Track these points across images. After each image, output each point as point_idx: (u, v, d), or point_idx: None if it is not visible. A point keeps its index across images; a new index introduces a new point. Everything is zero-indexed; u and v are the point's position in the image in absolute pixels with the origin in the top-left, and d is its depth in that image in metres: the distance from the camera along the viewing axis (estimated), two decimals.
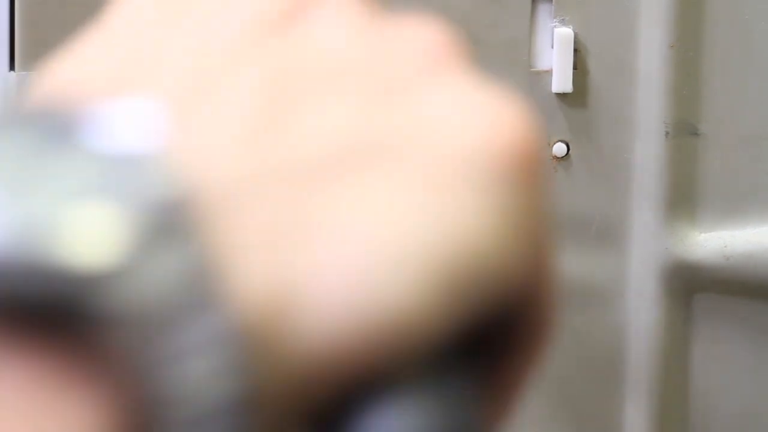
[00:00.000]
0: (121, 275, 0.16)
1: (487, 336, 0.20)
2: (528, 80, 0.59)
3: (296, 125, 0.19)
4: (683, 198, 0.59)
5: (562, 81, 0.58)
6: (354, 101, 0.19)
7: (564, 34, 0.57)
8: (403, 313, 0.17)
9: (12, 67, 0.56)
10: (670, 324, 0.60)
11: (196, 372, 0.16)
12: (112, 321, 0.16)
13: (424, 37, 0.21)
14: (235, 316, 0.16)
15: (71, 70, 0.20)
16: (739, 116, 0.58)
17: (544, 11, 0.58)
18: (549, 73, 0.58)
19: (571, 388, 0.62)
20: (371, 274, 0.17)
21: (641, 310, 0.60)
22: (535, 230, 0.20)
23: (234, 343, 0.16)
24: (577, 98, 0.58)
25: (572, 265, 0.60)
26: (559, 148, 0.59)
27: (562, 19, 0.58)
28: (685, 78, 0.57)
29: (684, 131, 0.58)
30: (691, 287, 0.59)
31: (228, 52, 0.20)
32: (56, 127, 0.17)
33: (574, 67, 0.58)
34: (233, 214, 0.17)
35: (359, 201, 0.18)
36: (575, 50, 0.58)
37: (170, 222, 0.17)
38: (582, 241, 0.60)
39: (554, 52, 0.58)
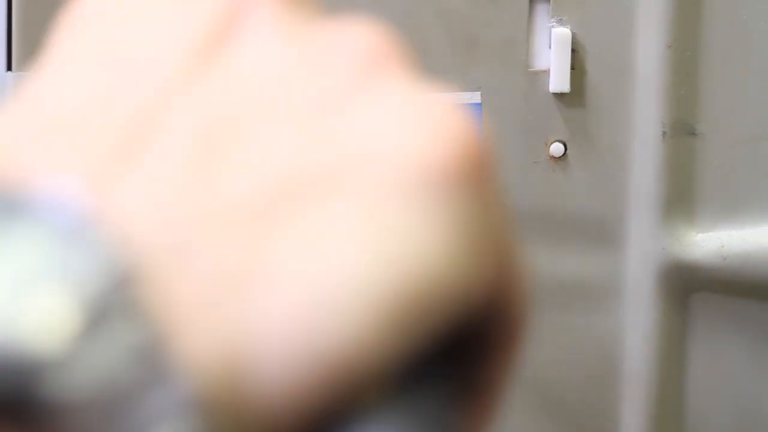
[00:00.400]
0: (69, 360, 0.16)
1: (459, 346, 0.19)
2: (526, 80, 0.59)
3: (231, 167, 0.18)
4: (680, 198, 0.59)
5: (559, 81, 0.58)
6: (287, 130, 0.18)
7: (561, 34, 0.57)
8: (359, 351, 0.17)
9: (9, 67, 0.55)
10: (667, 323, 0.60)
11: None
12: (65, 407, 0.16)
13: (358, 43, 0.20)
14: (190, 385, 0.16)
15: None
16: (737, 116, 0.58)
17: (541, 11, 0.58)
18: (546, 73, 0.58)
19: (568, 388, 0.62)
20: (320, 316, 0.17)
21: (638, 310, 0.60)
22: (492, 239, 0.19)
23: (192, 412, 0.16)
24: (574, 98, 0.58)
25: (570, 264, 0.60)
26: (557, 148, 0.59)
27: (560, 19, 0.58)
28: (682, 78, 0.57)
29: (681, 131, 0.58)
30: (689, 287, 0.59)
31: (155, 98, 0.19)
32: None
33: (572, 67, 0.58)
34: (175, 276, 0.17)
35: (301, 240, 0.17)
36: (573, 50, 0.58)
37: (113, 299, 0.16)
38: (579, 240, 0.60)
39: (552, 52, 0.58)
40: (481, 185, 0.19)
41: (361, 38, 0.20)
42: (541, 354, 0.61)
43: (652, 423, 0.61)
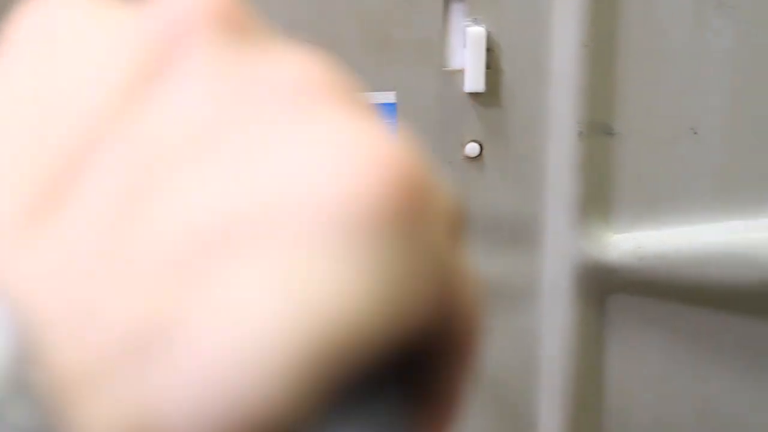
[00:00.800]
0: None
1: (406, 366, 0.19)
2: (441, 80, 0.58)
3: (147, 220, 0.17)
4: (597, 198, 0.58)
5: (474, 80, 0.57)
6: (209, 175, 0.17)
7: (476, 33, 0.56)
8: (273, 407, 0.16)
9: None
10: (584, 324, 0.60)
11: None
12: None
13: (288, 76, 0.19)
14: None
15: None
16: (653, 116, 0.57)
17: (457, 11, 0.57)
18: (461, 72, 0.57)
19: (486, 388, 0.62)
20: (230, 377, 0.16)
21: (556, 310, 0.59)
22: (431, 264, 0.18)
23: None
24: (490, 98, 0.58)
25: (486, 265, 0.60)
26: (472, 148, 0.58)
27: (475, 19, 0.57)
28: (598, 77, 0.57)
29: (598, 131, 0.57)
30: (605, 288, 0.59)
31: (75, 143, 0.18)
32: None
33: (488, 67, 0.57)
34: (71, 347, 0.16)
35: (212, 297, 0.16)
36: (488, 50, 0.57)
37: (6, 380, 0.15)
38: (495, 241, 0.60)
39: (466, 52, 0.57)
40: (410, 218, 0.18)
41: (293, 70, 0.19)
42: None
43: (570, 423, 0.61)
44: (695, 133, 0.57)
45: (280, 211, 0.17)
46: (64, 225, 0.17)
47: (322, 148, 0.18)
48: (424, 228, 0.18)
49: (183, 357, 0.16)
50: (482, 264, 0.60)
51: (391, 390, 0.19)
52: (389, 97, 0.58)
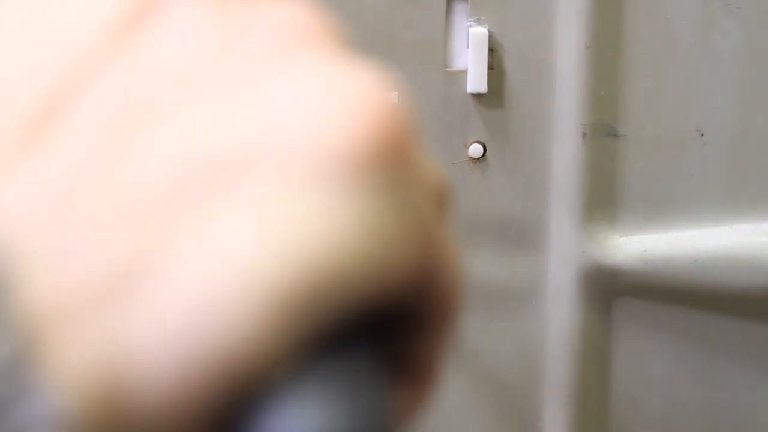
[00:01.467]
0: None
1: (386, 324, 0.19)
2: (444, 80, 0.57)
3: (135, 154, 0.17)
4: (602, 200, 0.58)
5: (476, 81, 0.56)
6: (199, 112, 0.17)
7: (478, 33, 0.56)
8: (252, 345, 0.16)
9: None
10: (589, 328, 0.59)
11: None
12: None
13: (279, 20, 0.19)
14: (60, 400, 0.15)
15: None
16: (659, 117, 0.57)
17: (459, 11, 0.57)
18: (464, 73, 0.57)
19: (492, 391, 0.61)
20: (210, 314, 0.16)
21: (560, 314, 0.59)
22: (410, 220, 0.18)
23: (64, 427, 0.15)
24: (493, 98, 0.57)
25: (490, 267, 0.59)
26: (476, 149, 0.58)
27: (478, 19, 0.56)
28: (602, 78, 0.56)
29: (602, 132, 0.56)
30: (611, 291, 0.58)
31: (66, 79, 0.18)
32: None
33: (491, 67, 0.57)
34: (48, 280, 0.16)
35: (198, 233, 0.16)
36: (491, 50, 0.57)
37: None
38: (500, 243, 0.59)
39: (469, 52, 0.56)
40: (395, 166, 0.18)
41: (283, 15, 0.19)
42: (461, 357, 0.60)
43: (576, 427, 0.60)
44: (702, 135, 0.57)
45: (267, 149, 0.17)
46: (48, 156, 0.17)
47: (310, 88, 0.18)
48: (408, 180, 0.18)
49: (161, 294, 0.16)
50: (486, 265, 0.59)
51: (367, 349, 0.18)
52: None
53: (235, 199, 0.17)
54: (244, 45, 0.19)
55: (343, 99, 0.18)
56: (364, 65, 0.19)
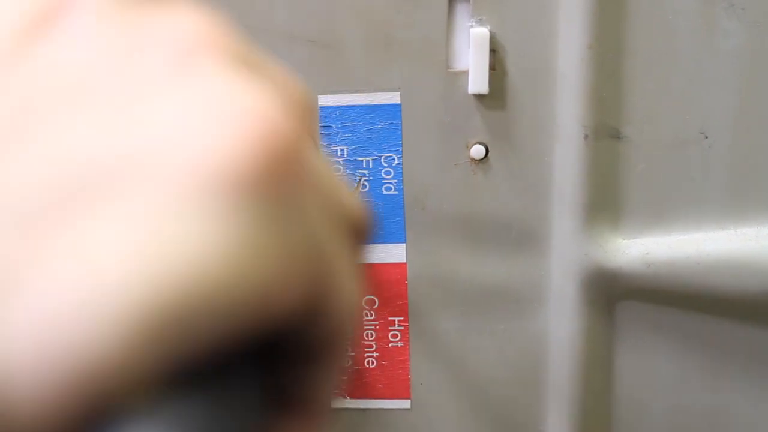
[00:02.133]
0: None
1: (272, 351, 0.19)
2: (445, 81, 0.57)
3: (18, 160, 0.17)
4: (605, 203, 0.57)
5: (478, 82, 0.56)
6: (86, 122, 0.17)
7: (479, 34, 0.55)
8: (109, 358, 0.16)
9: None
10: (592, 332, 0.58)
11: None
12: None
13: (178, 33, 0.19)
14: None
15: None
16: (662, 119, 0.56)
17: (461, 11, 0.57)
18: (466, 73, 0.56)
19: (494, 395, 0.61)
20: (72, 322, 0.16)
21: (563, 317, 0.58)
22: (300, 244, 0.18)
23: None
24: (495, 99, 0.57)
25: (492, 268, 0.59)
26: (477, 151, 0.57)
27: (480, 19, 0.56)
28: (604, 79, 0.55)
29: (604, 134, 0.56)
30: (613, 294, 0.58)
31: None
32: None
33: (492, 68, 0.56)
34: None
35: (69, 243, 0.16)
36: (493, 51, 0.56)
37: None
38: (502, 245, 0.59)
39: (470, 53, 0.56)
40: (278, 186, 0.17)
41: (181, 23, 0.19)
42: (464, 358, 0.60)
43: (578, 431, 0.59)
44: (706, 137, 0.56)
45: (145, 163, 0.17)
46: None
47: (197, 103, 0.18)
48: (296, 202, 0.18)
49: (26, 303, 0.16)
50: (487, 267, 0.59)
51: (247, 375, 0.18)
52: (394, 98, 0.58)
53: (109, 213, 0.16)
54: (140, 54, 0.18)
55: (227, 115, 0.17)
56: (260, 78, 0.19)
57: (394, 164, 0.58)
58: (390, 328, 0.60)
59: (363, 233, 0.21)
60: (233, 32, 0.20)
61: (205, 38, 0.19)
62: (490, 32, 0.56)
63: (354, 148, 0.58)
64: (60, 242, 0.16)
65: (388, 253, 0.59)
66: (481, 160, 0.58)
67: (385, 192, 0.59)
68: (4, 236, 0.16)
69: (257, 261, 0.17)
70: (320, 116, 0.58)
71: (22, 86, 0.18)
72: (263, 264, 0.17)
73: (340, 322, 0.19)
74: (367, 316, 0.60)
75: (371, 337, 0.60)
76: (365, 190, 0.58)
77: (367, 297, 0.60)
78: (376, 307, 0.60)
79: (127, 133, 0.17)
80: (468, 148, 0.58)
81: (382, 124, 0.58)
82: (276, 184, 0.17)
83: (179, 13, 0.19)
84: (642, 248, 0.57)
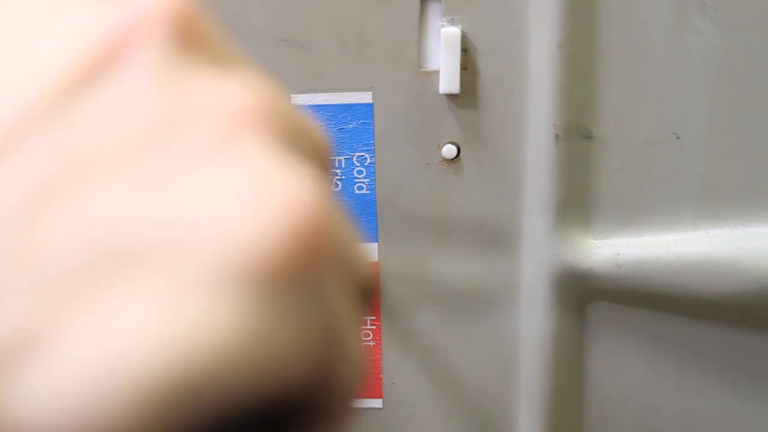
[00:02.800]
0: None
1: (279, 421, 0.19)
2: (417, 80, 0.57)
3: (50, 225, 0.17)
4: (576, 203, 0.57)
5: (449, 82, 0.56)
6: (122, 191, 0.17)
7: (450, 33, 0.55)
8: (124, 428, 0.16)
9: None
10: (563, 331, 0.58)
11: None
12: None
13: (225, 100, 0.19)
14: None
15: None
16: (634, 119, 0.56)
17: (434, 11, 0.57)
18: (438, 73, 0.56)
19: (466, 395, 0.60)
20: (89, 396, 0.16)
21: (534, 317, 0.58)
22: (316, 326, 0.18)
23: None
24: (467, 99, 0.57)
25: (464, 268, 0.59)
26: (449, 150, 0.57)
27: (451, 19, 0.56)
28: (576, 79, 0.55)
29: (576, 134, 0.56)
30: (584, 294, 0.58)
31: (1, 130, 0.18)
32: None
33: (464, 68, 0.56)
34: None
35: (93, 315, 0.16)
36: (465, 50, 0.56)
37: None
38: (473, 245, 0.58)
39: (441, 53, 0.56)
40: (303, 273, 0.18)
41: (232, 99, 0.19)
42: (435, 358, 0.60)
43: (549, 431, 0.59)
44: (678, 137, 0.56)
45: (174, 239, 0.17)
46: None
47: (233, 185, 0.18)
48: (317, 287, 0.18)
49: (45, 368, 0.16)
50: (460, 266, 0.59)
51: None
52: (366, 97, 0.58)
53: (135, 286, 0.17)
54: (185, 124, 0.18)
55: (262, 200, 0.17)
56: (306, 158, 0.19)
57: (366, 163, 0.58)
58: (362, 327, 0.60)
59: (370, 293, 0.22)
60: (281, 102, 0.20)
61: (253, 113, 0.19)
62: (462, 32, 0.56)
63: None
64: (83, 311, 0.16)
65: None
66: (452, 159, 0.58)
67: (357, 191, 0.58)
68: (28, 298, 0.16)
69: (273, 344, 0.17)
70: None
71: (64, 141, 0.18)
72: (278, 347, 0.17)
73: (347, 388, 0.19)
74: None
75: None
76: (338, 189, 0.58)
77: None
78: None
79: (162, 206, 0.17)
80: (440, 147, 0.58)
81: (355, 123, 0.58)
82: (300, 274, 0.18)
83: (232, 82, 0.19)
84: (613, 249, 0.57)
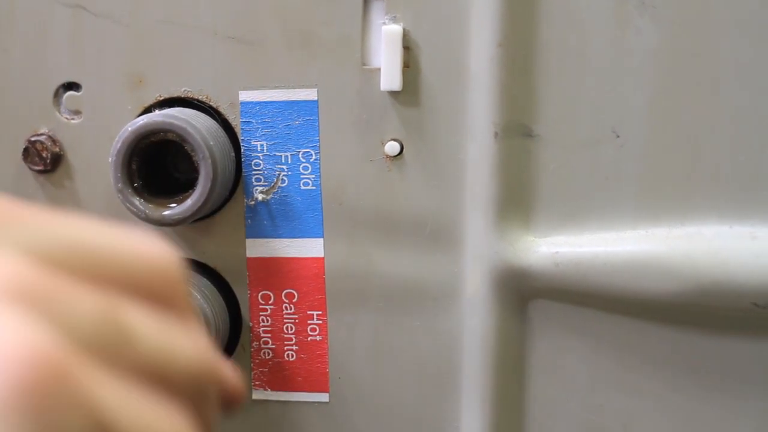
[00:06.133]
0: None
1: None
2: (360, 78, 0.57)
3: None
4: (516, 201, 0.57)
5: (390, 79, 0.56)
6: None
7: (391, 31, 0.56)
8: None
9: None
10: (504, 330, 0.58)
11: None
12: None
13: None
14: None
15: None
16: (574, 118, 0.56)
17: (376, 8, 0.57)
18: (380, 70, 0.57)
19: (409, 392, 0.61)
20: None
21: (476, 315, 0.58)
22: None
23: None
24: (409, 96, 0.57)
25: (407, 265, 0.59)
26: (392, 147, 0.58)
27: (393, 17, 0.56)
28: (515, 78, 0.56)
29: (515, 132, 0.56)
30: (525, 293, 0.58)
31: None
32: None
33: (406, 65, 0.57)
34: None
35: None
36: (407, 48, 0.57)
37: None
38: (416, 241, 0.59)
39: (382, 50, 0.56)
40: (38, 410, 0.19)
41: None
42: (380, 354, 0.60)
43: (492, 430, 0.59)
44: (618, 136, 0.56)
45: None
46: None
47: None
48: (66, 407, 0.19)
49: None
50: (402, 263, 0.59)
51: None
52: (311, 94, 0.58)
53: None
54: None
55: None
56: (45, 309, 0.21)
57: (311, 160, 0.59)
58: (309, 321, 0.61)
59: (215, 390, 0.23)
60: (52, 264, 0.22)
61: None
62: (404, 30, 0.56)
63: (273, 144, 0.59)
64: None
65: (306, 248, 0.60)
66: (395, 156, 0.58)
67: (303, 187, 0.59)
68: None
69: None
70: (241, 111, 0.59)
71: None
72: None
73: None
74: (287, 309, 0.61)
75: (291, 330, 0.61)
76: (284, 185, 0.59)
77: (287, 290, 0.60)
78: (295, 300, 0.60)
79: None
80: (383, 144, 0.58)
81: (300, 120, 0.58)
82: (35, 408, 0.19)
83: None
84: (552, 247, 0.57)
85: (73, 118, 0.61)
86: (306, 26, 0.58)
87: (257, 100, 0.59)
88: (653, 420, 0.59)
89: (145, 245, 0.24)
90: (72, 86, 0.60)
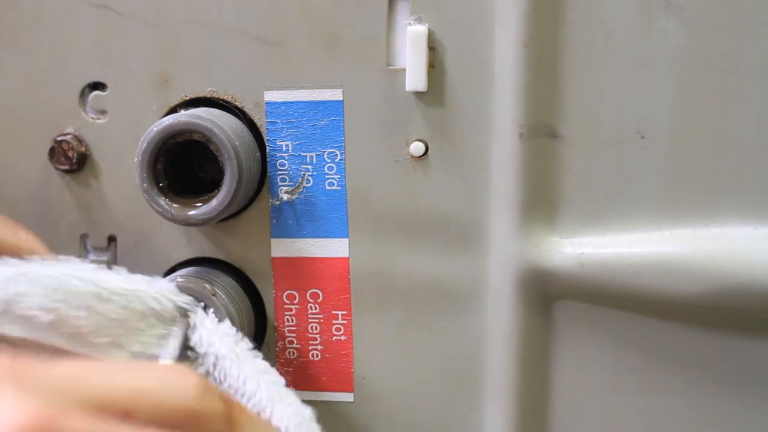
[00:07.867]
0: None
1: None
2: (385, 78, 0.58)
3: None
4: (541, 202, 0.57)
5: (415, 79, 0.56)
6: None
7: (417, 31, 0.56)
8: None
9: None
10: (528, 331, 0.58)
11: None
12: None
13: None
14: None
15: None
16: (599, 119, 0.56)
17: (402, 9, 0.57)
18: (405, 71, 0.57)
19: (433, 392, 0.61)
20: None
21: (500, 316, 0.59)
22: None
23: None
24: (434, 97, 0.57)
25: (431, 265, 0.59)
26: (417, 148, 0.58)
27: (419, 17, 0.57)
28: (540, 78, 0.56)
29: (540, 133, 0.56)
30: (550, 293, 0.58)
31: None
32: None
33: (431, 66, 0.57)
34: None
35: None
36: (432, 48, 0.57)
37: None
38: (441, 242, 0.59)
39: (407, 50, 0.56)
40: None
41: None
42: (404, 354, 0.60)
43: (515, 431, 0.60)
44: (642, 137, 0.56)
45: None
46: None
47: None
48: None
49: None
50: (426, 264, 0.59)
51: None
52: (336, 94, 0.58)
53: None
54: None
55: None
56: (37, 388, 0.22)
57: (336, 160, 0.59)
58: (334, 321, 0.61)
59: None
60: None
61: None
62: (429, 30, 0.56)
63: (298, 144, 0.59)
64: None
65: (331, 248, 0.60)
66: (420, 156, 0.58)
67: (328, 187, 0.59)
68: None
69: None
70: (266, 111, 0.59)
71: None
72: None
73: None
74: (312, 309, 0.61)
75: (316, 330, 0.61)
76: (309, 185, 0.59)
77: (312, 290, 0.60)
78: (320, 300, 0.61)
79: None
80: (408, 144, 0.58)
81: (325, 120, 0.59)
82: None
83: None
84: (577, 248, 0.57)
85: (98, 118, 0.61)
86: (331, 27, 0.58)
87: (282, 100, 0.59)
88: (677, 421, 0.59)
89: (170, 385, 0.25)
90: (98, 86, 0.61)
